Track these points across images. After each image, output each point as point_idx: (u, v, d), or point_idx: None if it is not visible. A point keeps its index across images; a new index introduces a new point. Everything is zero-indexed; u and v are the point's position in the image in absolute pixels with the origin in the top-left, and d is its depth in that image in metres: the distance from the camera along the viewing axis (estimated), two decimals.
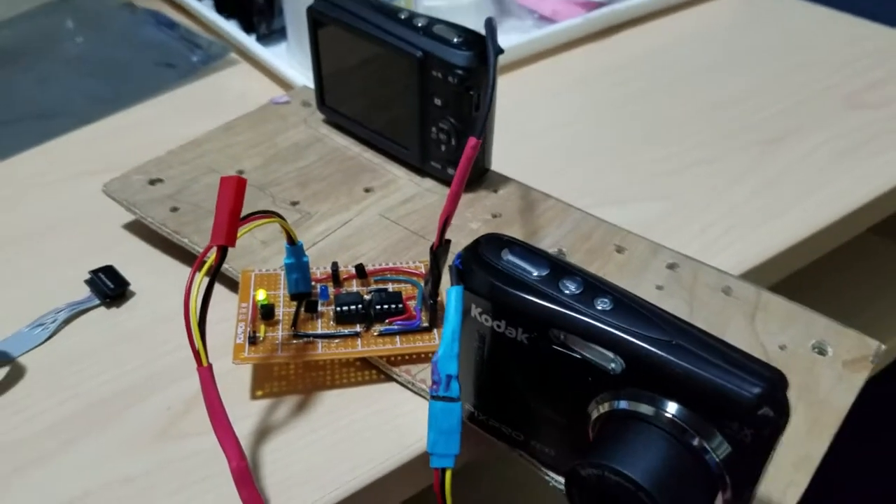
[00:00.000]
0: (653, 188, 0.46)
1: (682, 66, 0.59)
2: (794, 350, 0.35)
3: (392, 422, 0.33)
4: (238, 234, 0.28)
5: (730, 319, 0.36)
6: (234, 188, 0.27)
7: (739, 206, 0.44)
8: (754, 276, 0.40)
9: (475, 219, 0.41)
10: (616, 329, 0.25)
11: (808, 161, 0.48)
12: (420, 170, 0.44)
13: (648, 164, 0.48)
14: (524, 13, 0.63)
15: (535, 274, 0.27)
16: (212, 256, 0.27)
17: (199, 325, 0.27)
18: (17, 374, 0.35)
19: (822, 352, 0.35)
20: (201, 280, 0.27)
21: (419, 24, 0.40)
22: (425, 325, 0.34)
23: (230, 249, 0.38)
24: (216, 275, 0.27)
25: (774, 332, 0.35)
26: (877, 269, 0.67)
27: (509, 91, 0.56)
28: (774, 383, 0.24)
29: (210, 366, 0.28)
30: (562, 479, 0.27)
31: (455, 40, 0.39)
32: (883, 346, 0.35)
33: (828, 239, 0.44)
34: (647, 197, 0.45)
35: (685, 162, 0.48)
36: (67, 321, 0.38)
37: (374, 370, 0.35)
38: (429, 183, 0.44)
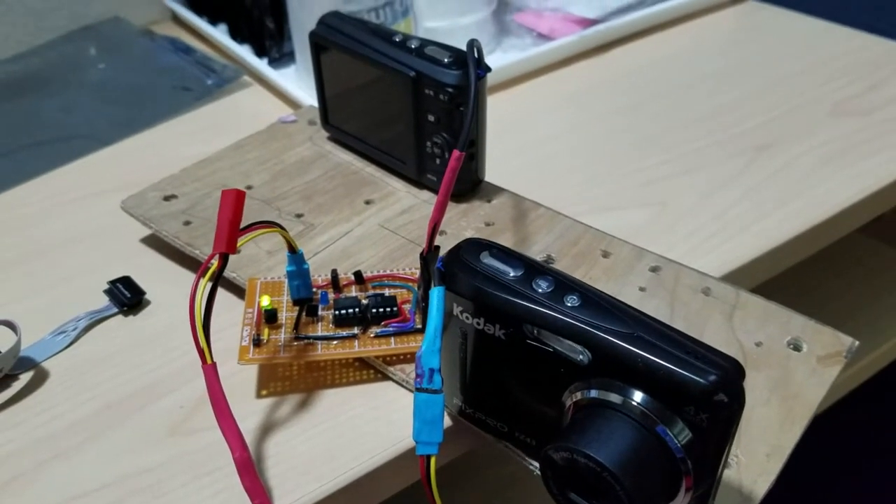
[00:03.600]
0: (643, 196, 0.48)
1: (674, 80, 0.61)
2: (769, 346, 0.36)
3: (387, 417, 0.35)
4: (240, 243, 0.31)
5: (708, 318, 0.38)
6: (234, 200, 0.30)
7: (726, 211, 0.46)
8: (738, 278, 0.42)
9: (469, 227, 0.43)
10: (582, 323, 0.27)
11: (793, 167, 0.50)
12: (418, 182, 0.47)
13: (639, 172, 0.50)
14: (523, 32, 0.65)
15: (511, 274, 0.29)
16: (215, 263, 0.30)
17: (203, 325, 0.29)
18: (40, 377, 0.38)
19: (797, 348, 0.36)
20: (205, 285, 0.30)
21: (412, 46, 0.42)
22: (419, 326, 0.37)
23: (240, 260, 0.41)
24: (219, 279, 0.30)
25: (751, 329, 0.37)
26: (872, 272, 0.68)
27: (508, 106, 0.58)
28: (730, 371, 0.26)
29: (214, 363, 0.30)
30: None
31: (446, 60, 0.41)
32: (857, 343, 0.37)
33: (812, 241, 0.46)
34: (637, 204, 0.47)
35: (675, 170, 0.50)
36: (87, 328, 0.40)
37: (371, 370, 0.37)
38: (426, 195, 0.46)
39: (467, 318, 0.30)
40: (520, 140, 0.54)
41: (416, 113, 0.43)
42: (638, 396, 0.26)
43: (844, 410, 0.65)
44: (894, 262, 0.69)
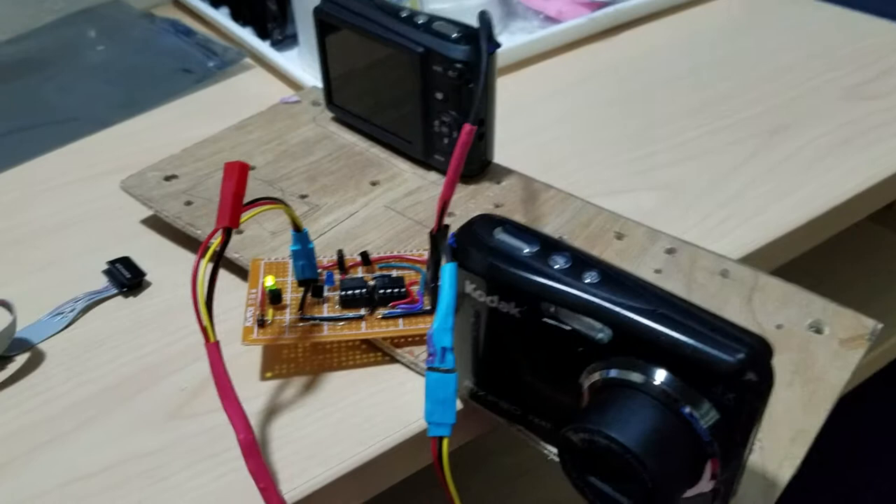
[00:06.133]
0: (654, 179, 0.47)
1: (685, 63, 0.60)
2: (790, 329, 0.35)
3: (395, 401, 0.34)
4: (243, 219, 0.30)
5: (727, 301, 0.37)
6: (238, 172, 0.29)
7: (740, 194, 0.45)
8: (753, 261, 0.41)
9: (478, 209, 0.42)
10: (603, 300, 0.26)
11: (806, 151, 0.49)
12: (425, 163, 0.45)
13: (650, 156, 0.49)
14: (530, 14, 0.64)
15: (526, 250, 0.28)
16: (217, 239, 0.29)
17: (206, 303, 0.28)
18: (37, 359, 0.37)
19: (818, 331, 0.35)
20: (207, 262, 0.28)
21: (419, 22, 0.41)
22: (427, 308, 0.35)
23: (243, 241, 0.40)
24: (222, 254, 0.29)
25: (771, 312, 0.36)
26: (885, 260, 0.67)
27: (516, 89, 0.57)
28: (758, 349, 0.24)
29: (217, 342, 0.29)
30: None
31: (454, 35, 0.40)
32: (880, 325, 0.36)
33: (827, 225, 0.45)
34: (648, 188, 0.46)
35: (687, 153, 0.49)
36: (86, 310, 0.39)
37: (378, 352, 0.36)
38: (433, 176, 0.45)
39: (480, 295, 0.28)
40: (527, 123, 0.53)
41: (424, 91, 0.42)
42: (661, 376, 0.25)
43: (865, 395, 0.63)
44: None
